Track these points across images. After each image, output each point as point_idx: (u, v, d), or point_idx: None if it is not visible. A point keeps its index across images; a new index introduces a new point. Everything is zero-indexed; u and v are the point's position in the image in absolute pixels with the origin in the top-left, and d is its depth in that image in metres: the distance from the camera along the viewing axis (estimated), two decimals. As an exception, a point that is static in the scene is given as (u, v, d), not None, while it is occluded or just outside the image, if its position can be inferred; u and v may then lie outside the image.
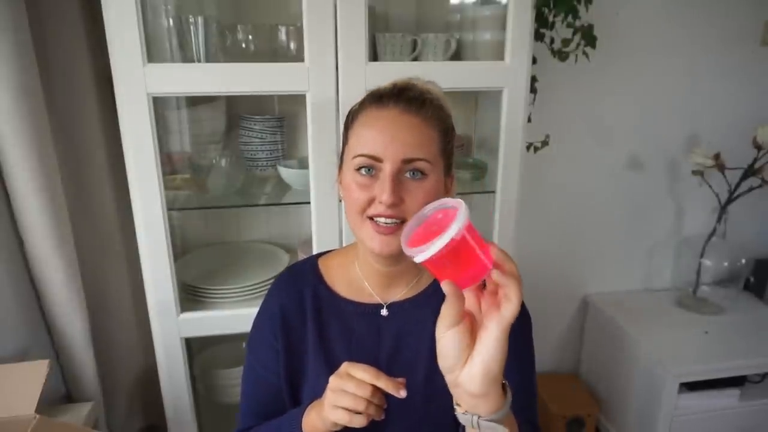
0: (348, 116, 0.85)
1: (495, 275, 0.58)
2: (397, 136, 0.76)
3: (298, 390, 0.89)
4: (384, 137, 0.76)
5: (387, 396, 0.88)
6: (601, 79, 1.74)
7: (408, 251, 0.60)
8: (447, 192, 0.84)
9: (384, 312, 0.88)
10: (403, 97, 0.79)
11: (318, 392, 0.85)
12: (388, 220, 0.77)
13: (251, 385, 0.92)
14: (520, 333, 0.88)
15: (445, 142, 0.82)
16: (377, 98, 0.80)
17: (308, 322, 0.89)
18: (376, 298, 0.89)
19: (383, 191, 0.75)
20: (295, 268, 0.96)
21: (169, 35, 1.24)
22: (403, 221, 0.77)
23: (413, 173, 0.77)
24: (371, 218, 0.78)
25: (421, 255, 0.57)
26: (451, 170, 0.85)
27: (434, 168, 0.79)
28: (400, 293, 0.89)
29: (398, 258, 0.81)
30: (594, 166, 1.87)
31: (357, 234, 0.82)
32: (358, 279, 0.89)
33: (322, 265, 0.94)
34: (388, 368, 0.73)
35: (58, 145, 1.20)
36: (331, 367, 0.87)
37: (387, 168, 0.76)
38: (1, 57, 1.03)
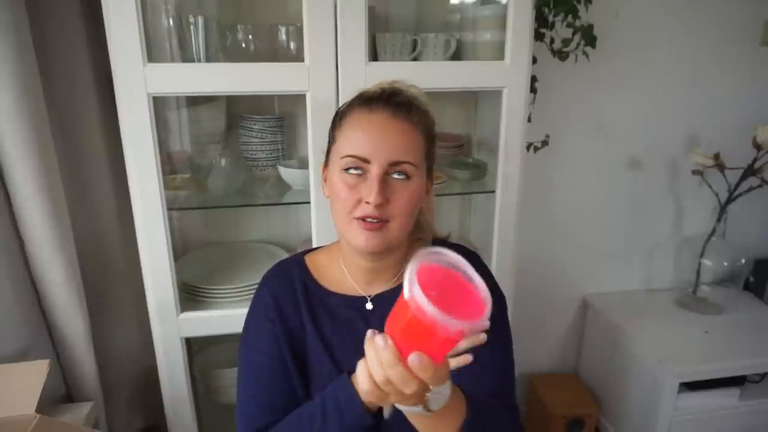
0: (336, 116, 0.89)
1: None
2: (385, 139, 0.80)
3: (303, 373, 0.90)
4: (372, 139, 0.80)
5: None
6: (601, 79, 1.74)
7: (430, 308, 0.53)
8: (427, 193, 0.90)
9: (369, 305, 0.92)
10: (391, 101, 0.83)
11: (323, 375, 0.87)
12: (374, 219, 0.81)
13: (254, 383, 0.89)
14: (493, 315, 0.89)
15: (429, 147, 0.87)
16: (366, 101, 0.84)
17: (302, 310, 0.91)
18: (361, 292, 0.93)
19: (370, 192, 0.79)
20: (283, 263, 0.99)
21: (169, 35, 1.24)
22: (387, 221, 0.81)
23: (399, 174, 0.81)
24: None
25: (448, 321, 0.53)
26: (432, 174, 0.91)
27: (418, 171, 0.83)
28: (383, 286, 0.93)
29: (381, 254, 0.86)
30: (594, 166, 1.87)
31: (343, 233, 0.85)
32: (343, 274, 0.93)
33: (309, 260, 0.97)
34: None
35: (59, 145, 1.20)
36: (330, 352, 0.90)
37: (374, 170, 0.80)
38: (2, 57, 1.03)
